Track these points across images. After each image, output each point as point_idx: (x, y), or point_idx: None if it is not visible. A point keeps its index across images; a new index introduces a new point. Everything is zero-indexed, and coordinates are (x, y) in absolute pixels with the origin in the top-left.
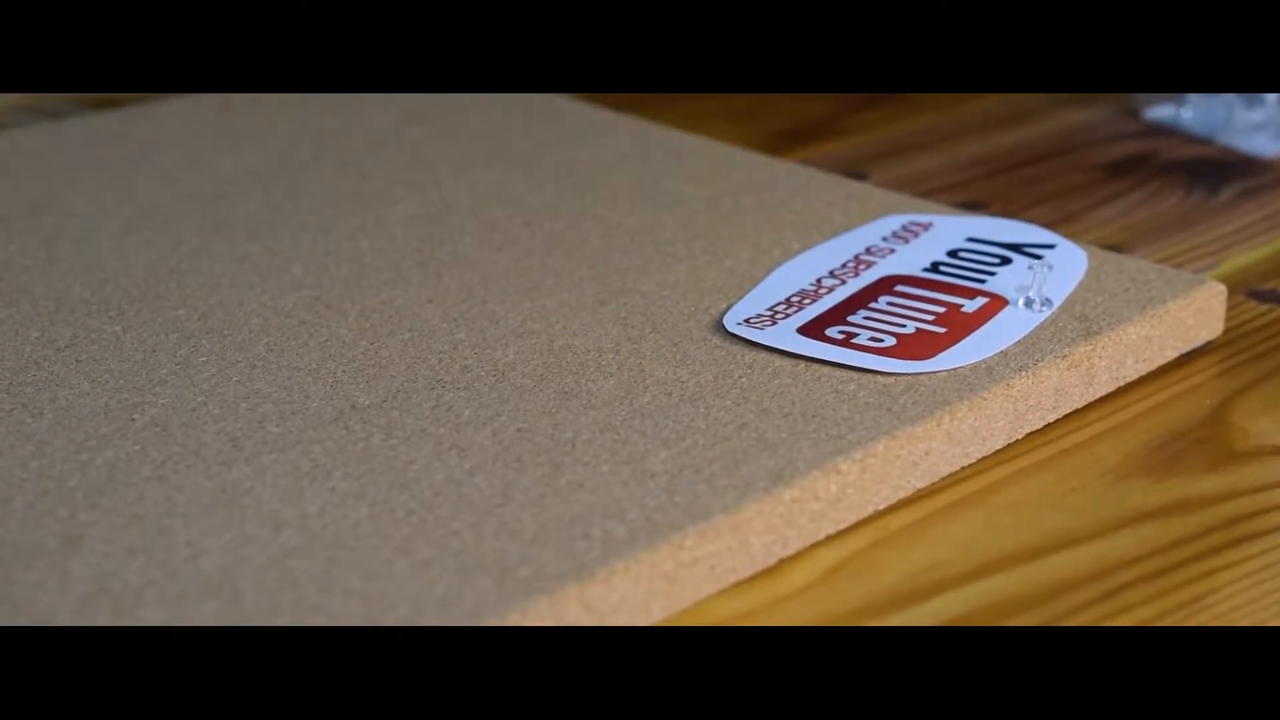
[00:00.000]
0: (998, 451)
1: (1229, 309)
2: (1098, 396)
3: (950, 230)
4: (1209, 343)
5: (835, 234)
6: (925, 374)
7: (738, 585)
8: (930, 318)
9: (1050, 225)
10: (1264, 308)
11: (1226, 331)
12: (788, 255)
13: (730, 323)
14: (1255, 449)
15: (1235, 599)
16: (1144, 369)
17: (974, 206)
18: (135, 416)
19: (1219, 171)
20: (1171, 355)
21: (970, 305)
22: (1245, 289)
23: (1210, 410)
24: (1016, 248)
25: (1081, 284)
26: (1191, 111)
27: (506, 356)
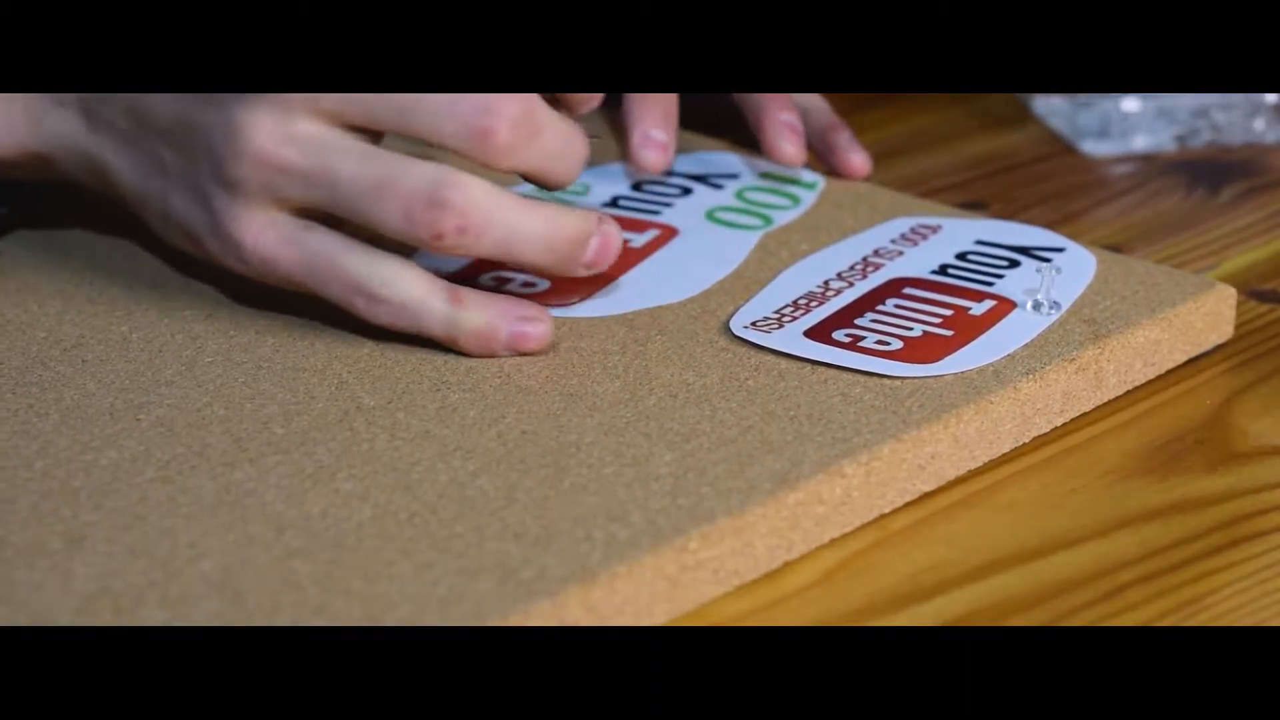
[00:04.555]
0: None
1: None
2: (1105, 400)
3: (958, 233)
4: (1218, 346)
5: (843, 236)
6: (932, 377)
7: (739, 585)
8: (938, 321)
9: (1050, 225)
10: (1264, 308)
11: None
12: (795, 257)
13: (737, 325)
14: (1256, 449)
15: (1235, 599)
16: (1152, 372)
17: (975, 206)
18: (140, 417)
19: (1219, 171)
20: (1181, 359)
21: (978, 308)
22: (1245, 289)
23: (1211, 410)
24: (1024, 250)
25: (1090, 287)
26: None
27: (512, 358)
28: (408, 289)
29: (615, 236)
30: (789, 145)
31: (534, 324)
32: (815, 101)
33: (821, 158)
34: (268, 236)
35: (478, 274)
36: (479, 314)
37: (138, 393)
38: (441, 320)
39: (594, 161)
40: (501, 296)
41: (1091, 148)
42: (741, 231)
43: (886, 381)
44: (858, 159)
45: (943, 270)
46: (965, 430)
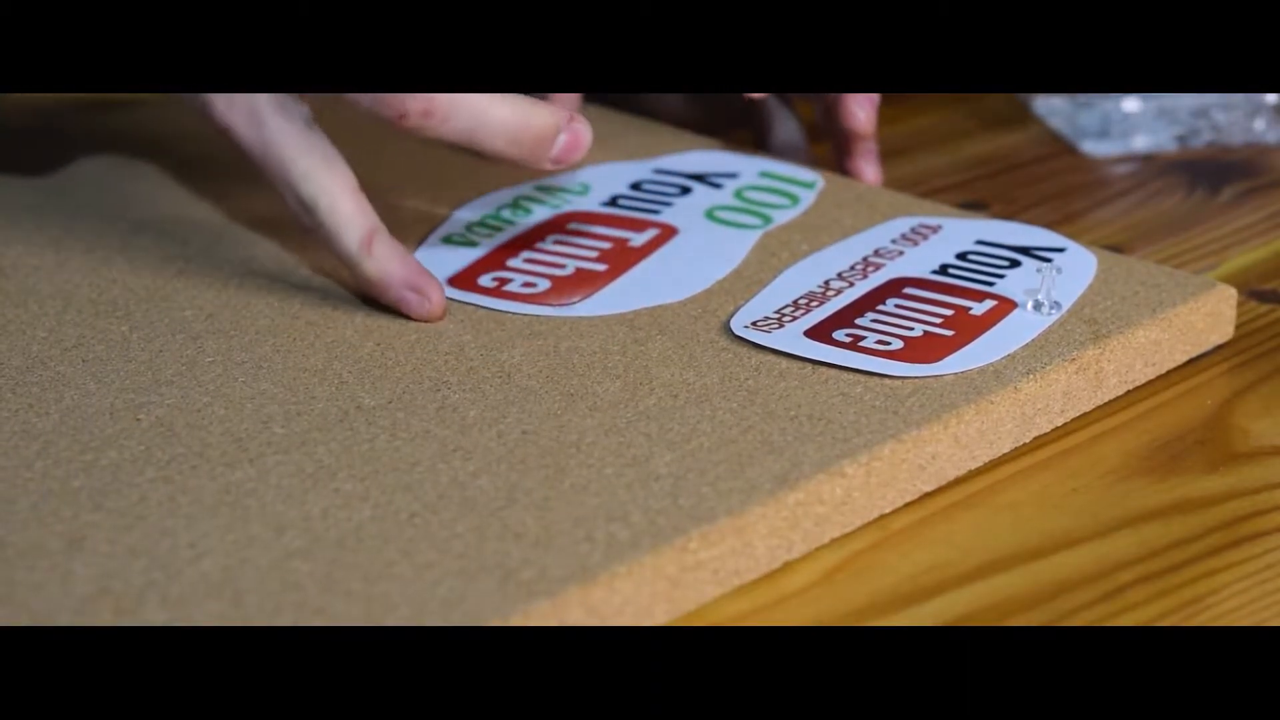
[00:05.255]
0: None
1: None
2: (1106, 400)
3: (959, 233)
4: (1219, 346)
5: (843, 236)
6: (932, 377)
7: (739, 585)
8: (938, 320)
9: (1051, 225)
10: (1265, 308)
11: None
12: (795, 257)
13: (737, 325)
14: (1256, 449)
15: (1235, 599)
16: (1153, 373)
17: (975, 207)
18: (140, 417)
19: (1219, 171)
20: (1181, 359)
21: (979, 308)
22: (1246, 289)
23: (1211, 411)
24: (1025, 250)
25: (1090, 287)
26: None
27: (513, 358)
28: (331, 214)
29: (584, 134)
30: (861, 111)
31: (418, 296)
32: (864, 109)
33: (838, 157)
34: (235, 111)
35: (478, 274)
36: (376, 267)
37: (138, 393)
38: (346, 256)
39: (594, 161)
40: (408, 259)
41: (1092, 148)
42: (741, 230)
43: (887, 381)
44: (870, 171)
45: (943, 270)
46: (966, 430)
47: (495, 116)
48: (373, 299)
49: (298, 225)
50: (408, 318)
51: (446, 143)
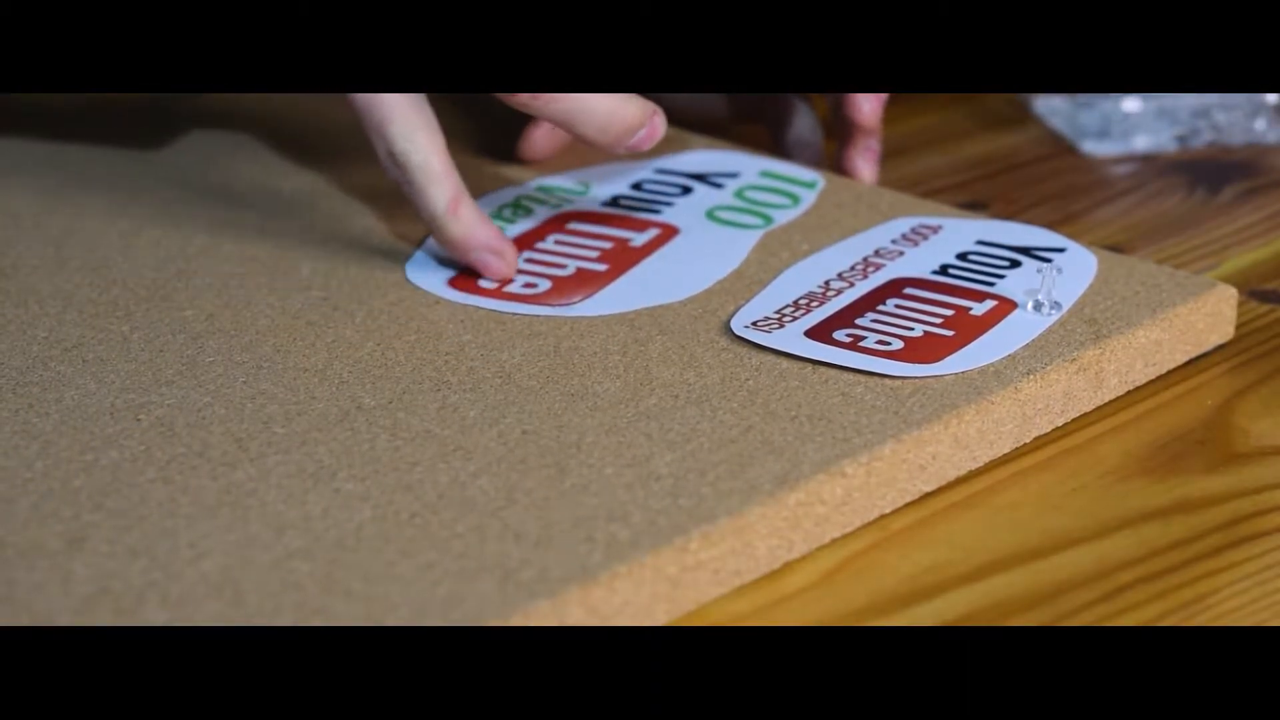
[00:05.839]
0: None
1: None
2: (1106, 400)
3: (959, 233)
4: (1219, 347)
5: (844, 236)
6: (933, 377)
7: (739, 585)
8: (938, 321)
9: (1051, 225)
10: (1265, 308)
11: None
12: (796, 257)
13: (738, 325)
14: (1256, 449)
15: (1235, 599)
16: (1153, 373)
17: (975, 206)
18: (141, 417)
19: (1219, 171)
20: (1181, 359)
21: (979, 308)
22: (1246, 289)
23: (1211, 411)
24: (1025, 251)
25: (1091, 287)
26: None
27: (513, 358)
28: (422, 172)
29: (662, 128)
30: (867, 104)
31: (496, 258)
32: (869, 101)
33: (838, 150)
34: None
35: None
36: (460, 228)
37: (138, 393)
38: (430, 215)
39: (593, 161)
40: (489, 223)
41: (1092, 148)
42: (742, 230)
43: (887, 381)
44: (866, 169)
45: (943, 270)
46: (966, 430)
47: (594, 106)
48: (450, 258)
49: (386, 177)
50: (483, 276)
51: (544, 119)
